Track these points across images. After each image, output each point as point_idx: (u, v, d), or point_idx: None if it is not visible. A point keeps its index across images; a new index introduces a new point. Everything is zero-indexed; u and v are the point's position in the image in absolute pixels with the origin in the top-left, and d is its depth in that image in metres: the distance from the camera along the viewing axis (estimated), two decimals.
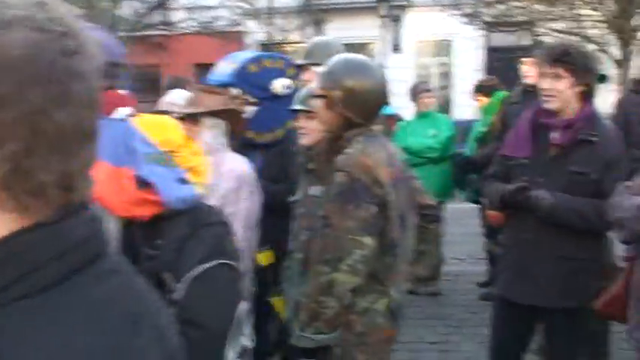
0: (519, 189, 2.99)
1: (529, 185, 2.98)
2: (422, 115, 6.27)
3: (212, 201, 3.01)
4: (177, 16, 18.06)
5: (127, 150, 1.71)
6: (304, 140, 3.09)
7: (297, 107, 3.12)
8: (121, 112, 1.95)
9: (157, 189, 1.72)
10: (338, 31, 17.48)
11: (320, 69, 2.57)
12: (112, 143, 1.66)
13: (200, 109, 3.04)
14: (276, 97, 3.57)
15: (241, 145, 3.72)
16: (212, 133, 3.06)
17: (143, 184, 1.71)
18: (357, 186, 2.30)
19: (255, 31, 18.18)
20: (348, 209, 2.29)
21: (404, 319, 2.65)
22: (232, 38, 15.98)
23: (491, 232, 5.46)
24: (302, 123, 3.09)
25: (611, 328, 3.87)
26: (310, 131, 3.02)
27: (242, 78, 3.59)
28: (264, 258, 3.42)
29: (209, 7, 17.72)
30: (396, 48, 18.97)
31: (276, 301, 3.35)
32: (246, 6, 17.93)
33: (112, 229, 1.67)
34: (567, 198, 2.94)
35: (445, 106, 17.57)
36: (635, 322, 2.53)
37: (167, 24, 17.99)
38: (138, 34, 16.93)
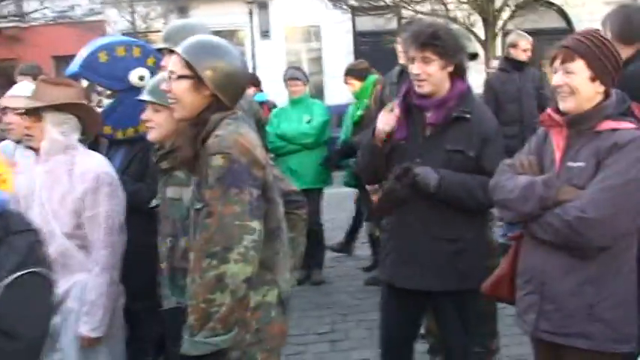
0: (403, 171, 2.90)
1: (411, 165, 2.90)
2: (295, 102, 6.13)
3: (68, 205, 2.73)
4: (30, 6, 16.95)
5: None
6: (152, 135, 2.82)
7: (146, 98, 2.84)
8: None
9: None
10: (205, 18, 17.06)
11: (178, 50, 2.30)
12: None
13: (40, 104, 2.75)
14: (134, 89, 3.24)
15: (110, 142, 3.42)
16: (61, 129, 2.77)
17: None
18: (237, 168, 2.13)
19: (117, 20, 17.39)
20: (231, 193, 2.11)
21: (290, 310, 2.47)
22: (93, 28, 15.19)
23: (372, 215, 5.40)
24: (149, 115, 2.82)
25: (499, 307, 3.88)
26: (158, 125, 2.77)
27: (90, 68, 3.25)
28: None
29: None
30: (265, 34, 18.82)
31: None
32: None
33: None
34: (452, 173, 2.90)
35: (318, 92, 17.59)
36: (525, 304, 2.46)
37: (19, 15, 16.89)
38: None
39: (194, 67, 2.24)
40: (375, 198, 4.94)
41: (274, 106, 7.24)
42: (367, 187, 4.95)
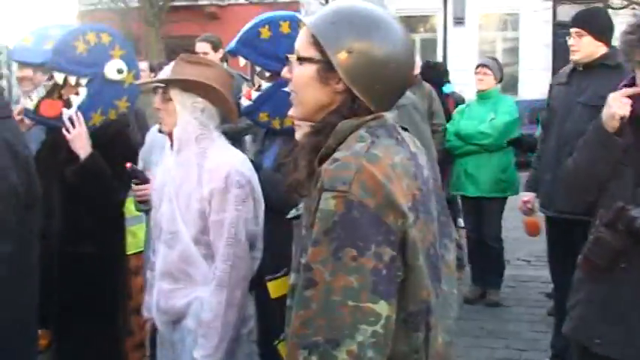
0: (617, 214, 2.25)
1: (628, 206, 2.25)
2: (482, 96, 5.44)
3: (194, 205, 2.35)
4: None
5: None
6: (298, 132, 2.30)
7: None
8: None
9: None
10: (397, 1, 16.63)
11: (306, 20, 1.57)
12: None
13: (160, 79, 2.44)
14: None
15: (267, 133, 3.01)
16: (195, 114, 2.40)
17: None
18: (357, 216, 1.36)
19: (311, 1, 17.41)
20: (346, 257, 1.36)
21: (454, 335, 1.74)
22: (287, 9, 15.37)
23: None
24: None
25: None
26: None
27: (249, 44, 2.82)
28: (275, 287, 2.66)
29: None
30: (459, 21, 18.00)
31: (284, 348, 2.59)
32: None
33: None
34: None
35: (511, 85, 16.56)
36: None
37: None
38: (190, 3, 16.76)
39: (322, 46, 1.50)
40: (528, 221, 4.23)
41: (462, 100, 6.54)
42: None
